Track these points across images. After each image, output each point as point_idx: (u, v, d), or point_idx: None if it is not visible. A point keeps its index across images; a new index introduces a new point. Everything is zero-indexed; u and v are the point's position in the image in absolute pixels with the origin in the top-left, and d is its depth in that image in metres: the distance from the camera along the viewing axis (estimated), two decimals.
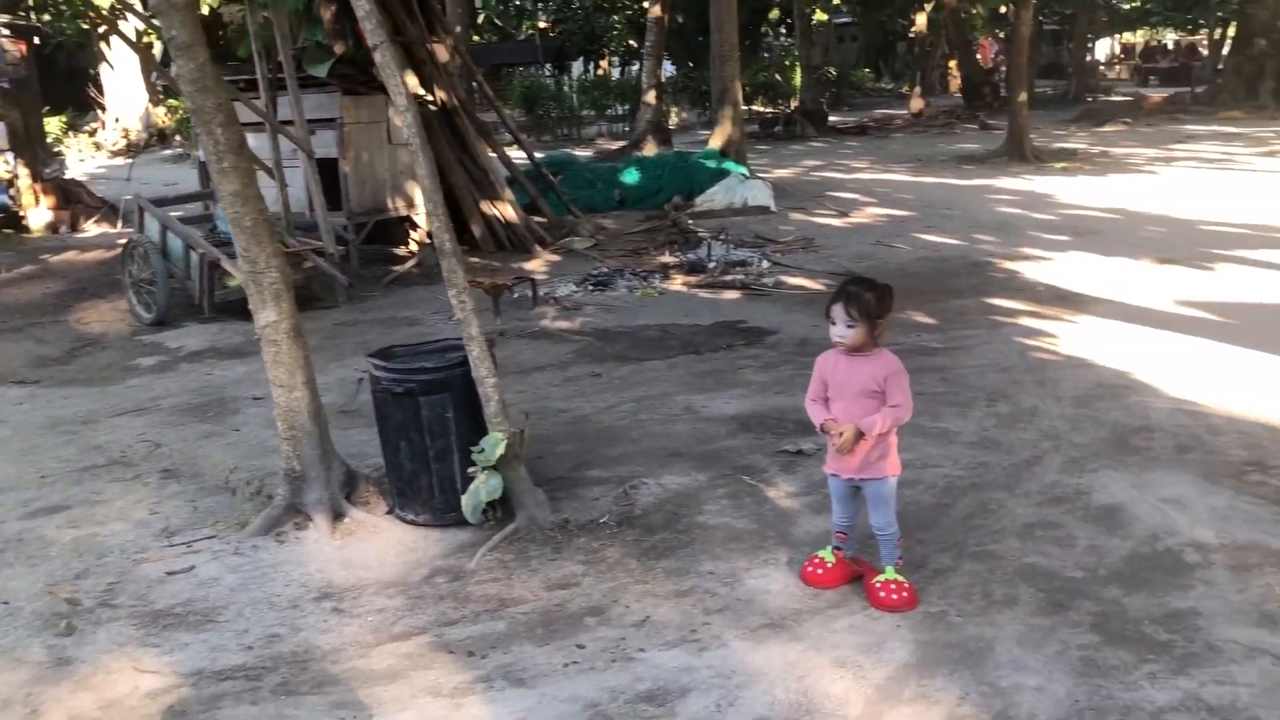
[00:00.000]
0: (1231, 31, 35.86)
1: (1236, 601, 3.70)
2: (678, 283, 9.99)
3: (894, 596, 3.78)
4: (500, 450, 4.39)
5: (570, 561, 4.25)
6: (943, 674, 3.35)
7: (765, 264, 10.53)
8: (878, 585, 3.82)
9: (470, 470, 4.47)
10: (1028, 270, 9.74)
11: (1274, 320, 7.50)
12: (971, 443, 5.39)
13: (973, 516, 4.52)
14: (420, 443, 4.52)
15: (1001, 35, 42.08)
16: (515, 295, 9.40)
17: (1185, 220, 12.09)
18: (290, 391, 4.66)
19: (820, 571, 3.96)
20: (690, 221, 13.28)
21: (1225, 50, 36.98)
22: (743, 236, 12.05)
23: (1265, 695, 3.14)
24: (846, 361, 3.77)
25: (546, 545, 4.40)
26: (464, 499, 4.46)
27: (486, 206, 12.24)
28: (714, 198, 14.84)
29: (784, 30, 46.34)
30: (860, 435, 3.70)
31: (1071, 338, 7.31)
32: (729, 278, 9.91)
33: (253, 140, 10.35)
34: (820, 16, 42.99)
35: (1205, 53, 46.95)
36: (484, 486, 4.40)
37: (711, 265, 10.42)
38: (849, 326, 3.70)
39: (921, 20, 40.71)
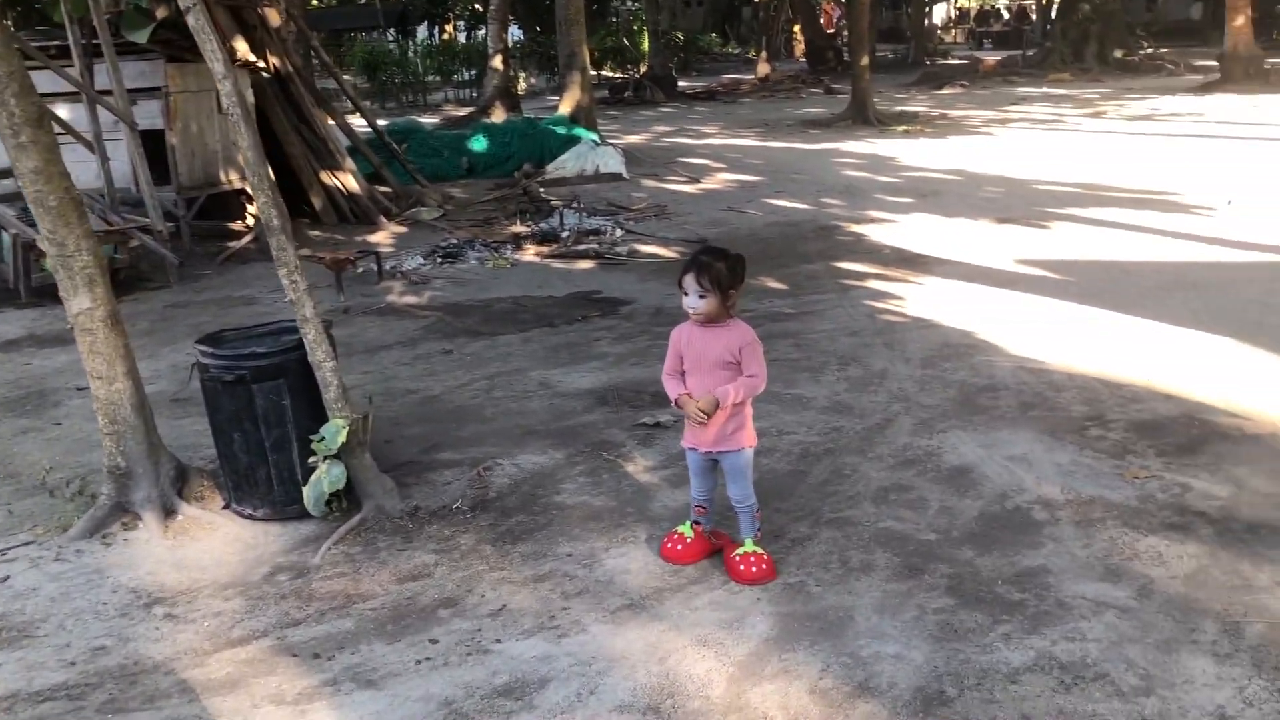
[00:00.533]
0: None
1: (1083, 557, 3.78)
2: (530, 253, 9.80)
3: (754, 569, 3.74)
4: (342, 438, 4.17)
5: (421, 551, 4.07)
6: (804, 647, 3.32)
7: (619, 232, 10.43)
8: (737, 558, 3.78)
9: (311, 460, 4.23)
10: (874, 233, 9.90)
11: (1107, 276, 7.79)
12: (825, 408, 5.41)
13: (828, 483, 4.52)
14: (255, 433, 4.26)
15: (839, 1, 42.84)
16: (359, 270, 9.06)
17: (1021, 180, 12.50)
18: (110, 383, 4.32)
19: (679, 547, 3.89)
20: (542, 190, 13.06)
21: (1053, 14, 38.46)
22: (595, 204, 11.91)
23: (1112, 649, 3.21)
24: (701, 333, 3.70)
25: (396, 535, 4.21)
26: (305, 490, 4.22)
27: (327, 177, 11.77)
28: (565, 165, 14.65)
29: None
30: (716, 405, 3.63)
31: (917, 299, 7.44)
32: (582, 247, 9.77)
33: (69, 112, 9.75)
34: None
35: (1034, 17, 48.76)
36: (326, 477, 4.17)
37: (564, 234, 10.25)
38: (700, 297, 3.62)
39: None
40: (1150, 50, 31.02)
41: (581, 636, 3.44)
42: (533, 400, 5.78)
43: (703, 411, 3.64)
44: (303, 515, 4.32)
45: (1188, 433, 4.87)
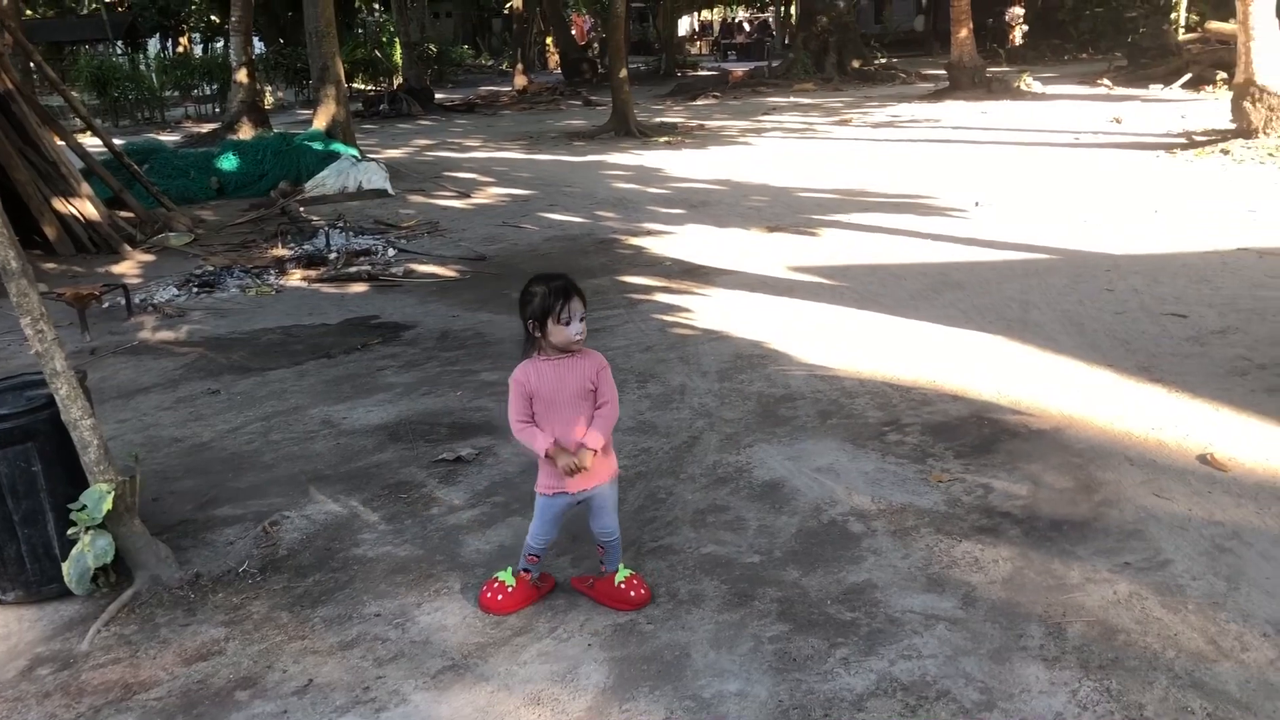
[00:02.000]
0: (795, 10, 39.08)
1: (904, 568, 3.79)
2: (296, 278, 9.23)
3: (641, 590, 3.62)
4: (107, 505, 3.68)
5: (209, 625, 3.64)
6: (644, 694, 3.14)
7: (391, 252, 10.00)
8: (622, 586, 3.62)
9: (71, 532, 3.71)
10: (652, 245, 9.90)
11: (877, 280, 8.05)
12: (631, 428, 5.27)
13: (644, 509, 4.38)
14: (1, 506, 3.70)
15: (594, 12, 43.31)
16: (105, 305, 8.26)
17: (784, 188, 12.85)
18: None
19: (501, 597, 3.64)
20: (302, 209, 12.40)
21: (792, 26, 40.21)
22: (362, 223, 11.40)
23: (949, 664, 3.20)
24: (552, 367, 3.42)
25: (177, 608, 3.75)
26: (66, 567, 3.70)
27: (60, 204, 10.71)
28: (325, 182, 13.98)
29: (378, 5, 45.03)
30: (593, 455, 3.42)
31: (704, 311, 7.45)
32: (354, 269, 9.29)
33: None
34: None
35: (775, 30, 50.86)
36: (90, 550, 3.67)
37: (333, 256, 9.72)
38: (582, 320, 3.39)
39: None
40: (884, 60, 32.91)
41: (403, 708, 3.14)
42: (316, 441, 5.36)
43: (582, 466, 3.40)
44: (64, 594, 3.80)
45: (979, 432, 5.02)
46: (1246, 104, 13.02)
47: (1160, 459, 4.59)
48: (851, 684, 3.13)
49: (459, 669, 3.32)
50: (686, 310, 7.50)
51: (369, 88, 33.93)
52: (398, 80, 33.31)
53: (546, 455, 3.41)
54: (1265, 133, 12.79)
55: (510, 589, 3.64)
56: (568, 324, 3.34)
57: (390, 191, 13.80)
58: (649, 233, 10.49)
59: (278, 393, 6.16)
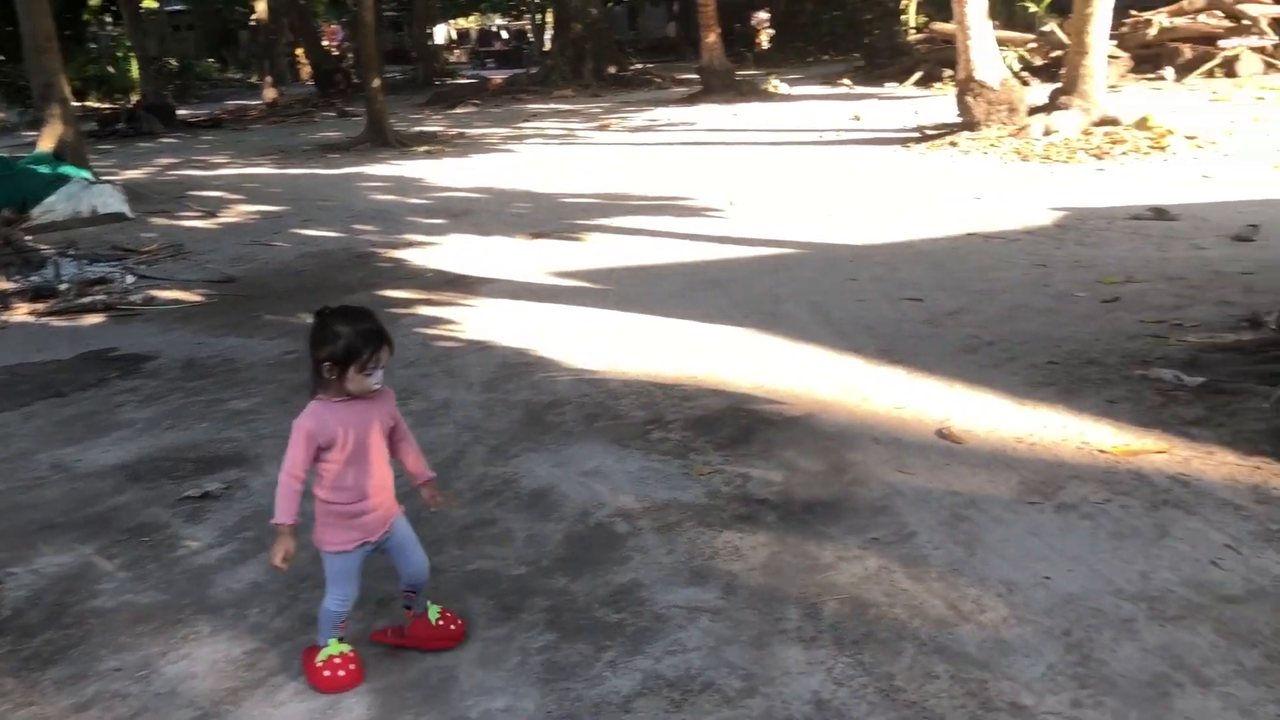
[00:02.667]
0: (550, 17, 39.34)
1: (669, 563, 3.83)
2: (22, 312, 8.51)
3: (458, 621, 3.44)
4: None
5: None
6: None
7: (130, 279, 9.36)
8: (442, 623, 3.39)
9: None
10: (413, 257, 9.70)
11: (639, 281, 8.17)
12: None
13: None
14: None
15: (345, 21, 42.18)
16: None
17: (547, 194, 12.88)
18: None
19: (349, 669, 3.22)
20: (28, 238, 11.44)
21: (549, 34, 40.45)
22: (98, 250, 10.63)
23: (712, 655, 3.25)
24: (355, 409, 3.12)
25: None
26: None
27: None
28: (55, 208, 12.96)
29: (110, 18, 42.34)
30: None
31: (469, 322, 7.35)
32: (88, 299, 8.64)
33: None
34: (150, 3, 39.90)
35: (532, 37, 51.07)
36: None
37: (64, 287, 9.02)
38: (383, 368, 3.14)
39: (262, 7, 39.34)
40: (640, 66, 33.60)
41: None
42: (47, 488, 4.94)
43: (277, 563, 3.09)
44: None
45: (738, 424, 5.16)
46: (969, 99, 14.01)
47: (903, 436, 4.84)
48: (618, 686, 3.14)
49: (209, 718, 3.12)
50: (450, 322, 7.37)
51: (104, 105, 31.83)
52: (135, 97, 31.40)
53: (277, 526, 3.09)
54: (987, 125, 13.81)
55: (351, 655, 3.27)
56: (369, 375, 3.07)
57: (129, 215, 12.96)
58: (409, 244, 10.27)
59: (1, 437, 5.64)
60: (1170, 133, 12.52)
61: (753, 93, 24.61)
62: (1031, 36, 22.33)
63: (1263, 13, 20.08)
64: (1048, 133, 13.05)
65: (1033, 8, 23.85)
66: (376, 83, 20.17)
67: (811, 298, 7.34)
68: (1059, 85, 14.27)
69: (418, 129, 21.94)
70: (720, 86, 24.79)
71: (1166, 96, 17.09)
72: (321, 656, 3.23)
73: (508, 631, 3.46)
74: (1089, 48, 13.51)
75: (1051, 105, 13.90)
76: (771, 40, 39.35)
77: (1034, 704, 2.94)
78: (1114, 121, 13.27)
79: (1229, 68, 19.01)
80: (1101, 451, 4.52)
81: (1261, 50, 19.41)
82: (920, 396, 5.33)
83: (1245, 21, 19.97)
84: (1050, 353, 5.83)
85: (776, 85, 25.16)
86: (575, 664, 3.26)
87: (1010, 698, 2.97)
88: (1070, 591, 3.47)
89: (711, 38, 25.03)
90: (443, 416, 5.53)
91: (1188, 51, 19.96)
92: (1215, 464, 4.33)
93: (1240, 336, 5.80)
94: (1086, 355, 5.73)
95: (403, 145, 19.26)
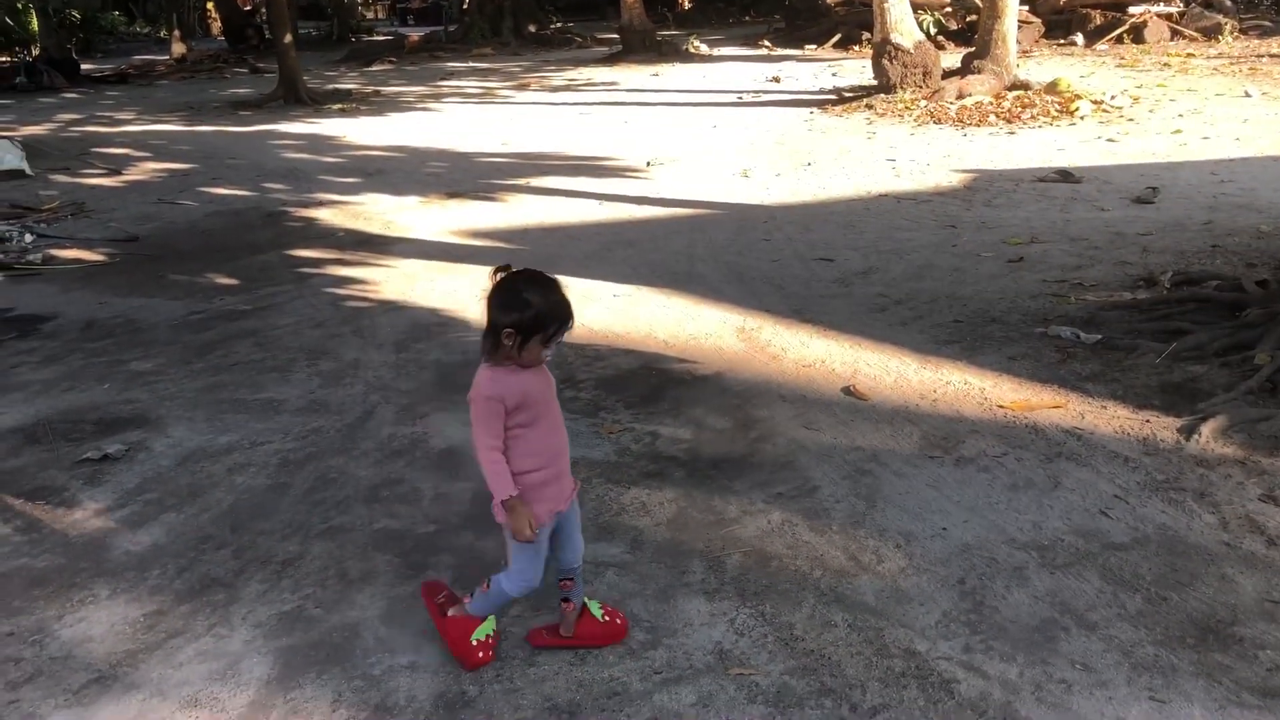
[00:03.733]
0: None
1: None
2: None
3: (620, 615, 3.23)
4: None
5: None
6: (311, 680, 3.03)
7: (29, 238, 9.05)
8: (607, 617, 3.18)
9: None
10: (325, 216, 9.52)
11: (554, 241, 8.13)
12: (300, 409, 5.05)
13: (314, 491, 4.21)
14: None
15: None
16: None
17: (464, 154, 12.73)
18: None
19: (490, 652, 3.09)
20: None
21: None
22: None
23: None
24: (536, 377, 2.93)
25: None
26: None
27: None
28: None
29: None
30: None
31: (380, 282, 7.25)
32: None
33: None
34: None
35: None
36: None
37: None
38: None
39: None
40: (559, 25, 33.21)
41: None
42: None
43: (528, 536, 2.88)
44: None
45: (648, 382, 5.18)
46: (885, 61, 14.13)
47: (810, 393, 4.91)
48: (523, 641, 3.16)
49: (106, 680, 3.07)
50: (361, 282, 7.27)
51: (2, 59, 30.55)
52: (35, 50, 30.20)
53: (503, 506, 2.87)
54: (902, 88, 13.95)
55: (496, 634, 3.15)
56: (548, 348, 2.88)
57: (28, 171, 12.50)
58: (321, 204, 10.08)
59: None
60: (1079, 97, 12.78)
61: (673, 53, 24.50)
62: (948, 1, 22.55)
63: None
64: (961, 96, 13.24)
65: None
66: (288, 38, 19.67)
67: (725, 257, 7.39)
68: (972, 50, 14.47)
69: (332, 86, 21.46)
70: (640, 46, 24.62)
71: (1076, 62, 17.40)
72: (479, 634, 3.08)
73: (413, 590, 3.45)
74: (1001, 13, 13.71)
75: (965, 69, 14.11)
76: (693, 1, 39.15)
77: (927, 649, 3.03)
78: (1025, 86, 13.51)
79: (1137, 34, 19.42)
80: (1001, 407, 4.65)
81: (1168, 17, 19.86)
82: (828, 355, 5.41)
83: None
84: (955, 312, 5.95)
85: (697, 46, 25.08)
86: None
87: (905, 644, 3.06)
88: (966, 541, 3.58)
89: None
90: (352, 376, 5.46)
91: (1098, 17, 20.35)
92: (1108, 418, 4.48)
93: (1136, 295, 5.98)
94: (990, 314, 5.87)
95: (316, 103, 18.84)
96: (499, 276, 2.90)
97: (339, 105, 18.56)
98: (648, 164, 11.25)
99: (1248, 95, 12.85)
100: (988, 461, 4.14)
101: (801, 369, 5.23)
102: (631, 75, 21.32)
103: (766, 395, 4.92)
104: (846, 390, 4.92)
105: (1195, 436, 4.21)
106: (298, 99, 19.02)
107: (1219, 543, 3.50)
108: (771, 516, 3.81)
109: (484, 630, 3.10)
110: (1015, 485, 3.95)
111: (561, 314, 2.85)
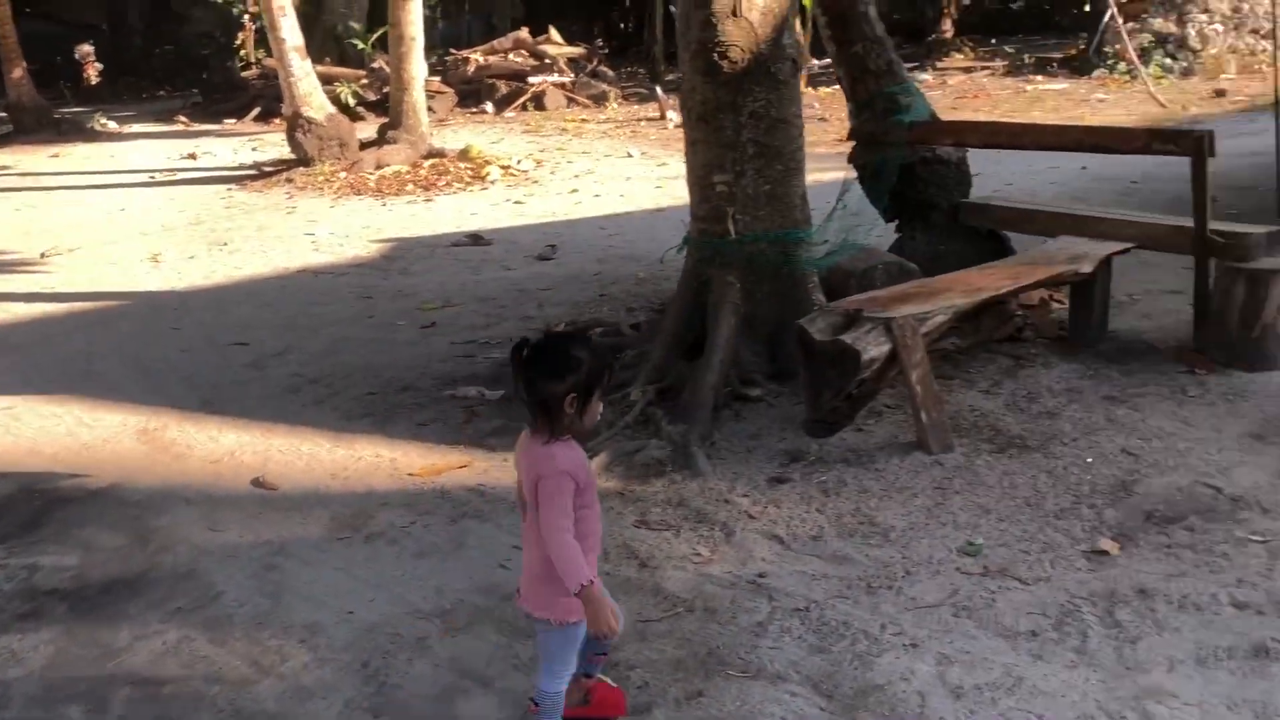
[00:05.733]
0: None
1: None
2: None
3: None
4: None
5: None
6: None
7: None
8: (615, 685, 3.09)
9: None
10: None
11: None
12: None
13: None
14: None
15: None
16: None
17: None
18: None
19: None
20: None
21: None
22: None
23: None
24: (576, 445, 2.72)
25: None
26: None
27: None
28: None
29: None
30: None
31: None
32: None
33: None
34: None
35: None
36: None
37: None
38: None
39: None
40: None
41: None
42: None
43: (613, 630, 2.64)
44: None
45: (30, 507, 4.63)
46: (299, 135, 14.01)
47: (217, 491, 4.68)
48: None
49: None
50: None
51: None
52: None
53: (578, 593, 2.56)
54: (320, 160, 13.89)
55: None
56: (600, 401, 2.71)
57: None
58: None
59: None
60: (489, 163, 13.59)
61: (75, 132, 22.44)
62: (364, 72, 22.98)
63: (560, 53, 22.63)
64: (380, 166, 13.51)
65: (360, 45, 24.46)
66: None
67: (129, 351, 6.86)
68: (387, 120, 14.84)
69: None
70: (35, 125, 22.25)
71: (488, 128, 18.52)
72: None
73: None
74: (408, 85, 14.21)
75: (381, 140, 14.43)
76: (101, 75, 36.35)
77: None
78: (441, 154, 14.10)
79: (538, 101, 21.09)
80: (410, 475, 4.74)
81: (562, 86, 21.81)
82: (239, 446, 5.19)
83: (547, 60, 22.35)
84: (370, 383, 5.99)
85: (105, 123, 23.21)
86: None
87: None
88: (372, 621, 3.57)
89: (17, 72, 22.29)
90: None
91: (503, 87, 21.82)
92: (508, 470, 4.70)
93: None
94: (403, 382, 5.98)
95: None
96: (534, 348, 2.67)
97: None
98: (43, 255, 10.15)
99: (630, 155, 14.46)
100: (395, 533, 4.19)
101: (209, 465, 4.97)
102: (26, 158, 19.22)
103: (169, 500, 4.60)
104: (256, 482, 4.75)
105: None
106: None
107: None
108: (168, 636, 3.54)
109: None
110: (422, 553, 4.03)
111: (607, 358, 2.83)
